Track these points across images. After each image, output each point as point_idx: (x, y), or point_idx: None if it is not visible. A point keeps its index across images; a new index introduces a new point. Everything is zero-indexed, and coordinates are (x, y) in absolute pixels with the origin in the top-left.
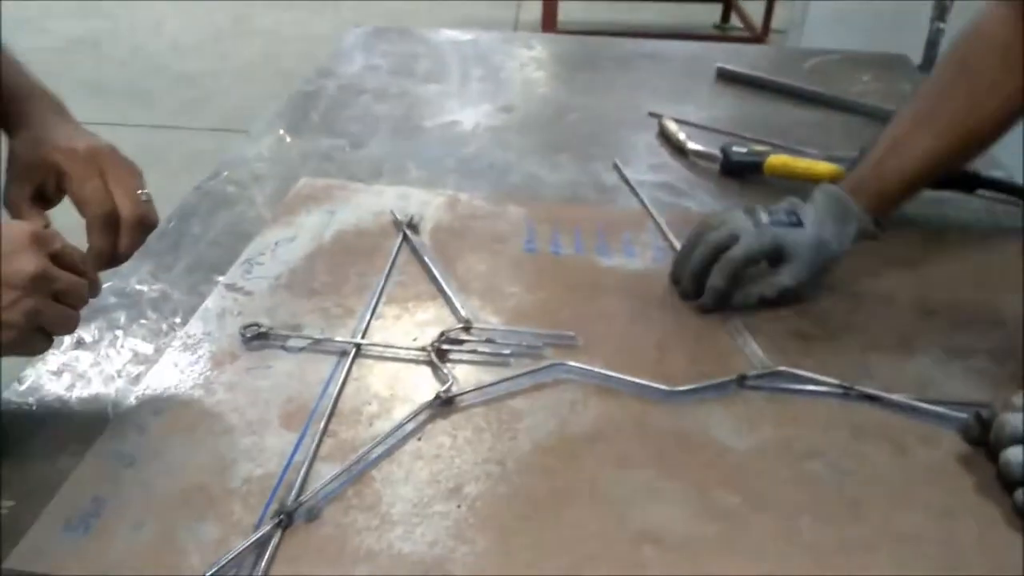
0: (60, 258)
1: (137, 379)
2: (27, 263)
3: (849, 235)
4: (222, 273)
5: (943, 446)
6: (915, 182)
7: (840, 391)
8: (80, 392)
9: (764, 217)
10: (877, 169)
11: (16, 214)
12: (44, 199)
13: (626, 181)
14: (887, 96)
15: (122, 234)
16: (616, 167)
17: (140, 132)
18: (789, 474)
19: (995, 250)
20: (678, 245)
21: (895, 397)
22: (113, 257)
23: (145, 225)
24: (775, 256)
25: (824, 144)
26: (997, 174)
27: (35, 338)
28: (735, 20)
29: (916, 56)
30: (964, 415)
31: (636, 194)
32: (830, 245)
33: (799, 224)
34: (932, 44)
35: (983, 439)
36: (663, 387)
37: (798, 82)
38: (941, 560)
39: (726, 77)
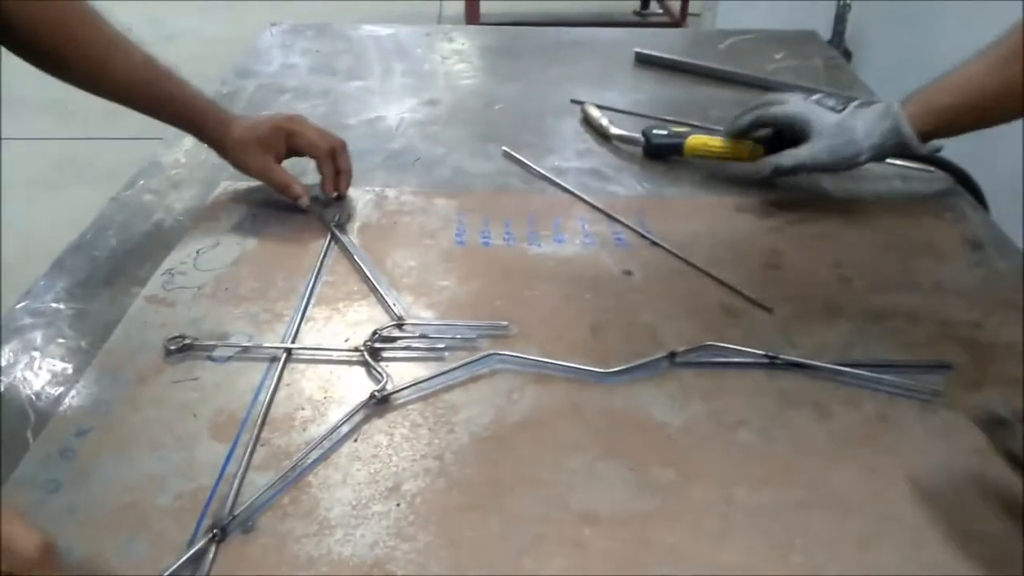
0: None
1: (58, 400)
2: None
3: (883, 132)
4: (142, 285)
5: (866, 407)
6: (962, 108)
7: (766, 361)
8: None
9: (812, 97)
10: (933, 84)
11: (272, 174)
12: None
13: (522, 166)
14: (800, 72)
15: (340, 157)
16: (505, 153)
17: (59, 145)
18: (721, 445)
19: (910, 218)
20: (613, 226)
21: (817, 363)
22: (342, 176)
23: (345, 147)
24: (802, 128)
25: None
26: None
27: None
28: (654, 7)
29: (826, 32)
30: (885, 376)
31: (548, 179)
32: (855, 133)
33: (837, 111)
34: (840, 19)
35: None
36: (597, 369)
37: (714, 63)
38: (873, 515)
39: (645, 61)
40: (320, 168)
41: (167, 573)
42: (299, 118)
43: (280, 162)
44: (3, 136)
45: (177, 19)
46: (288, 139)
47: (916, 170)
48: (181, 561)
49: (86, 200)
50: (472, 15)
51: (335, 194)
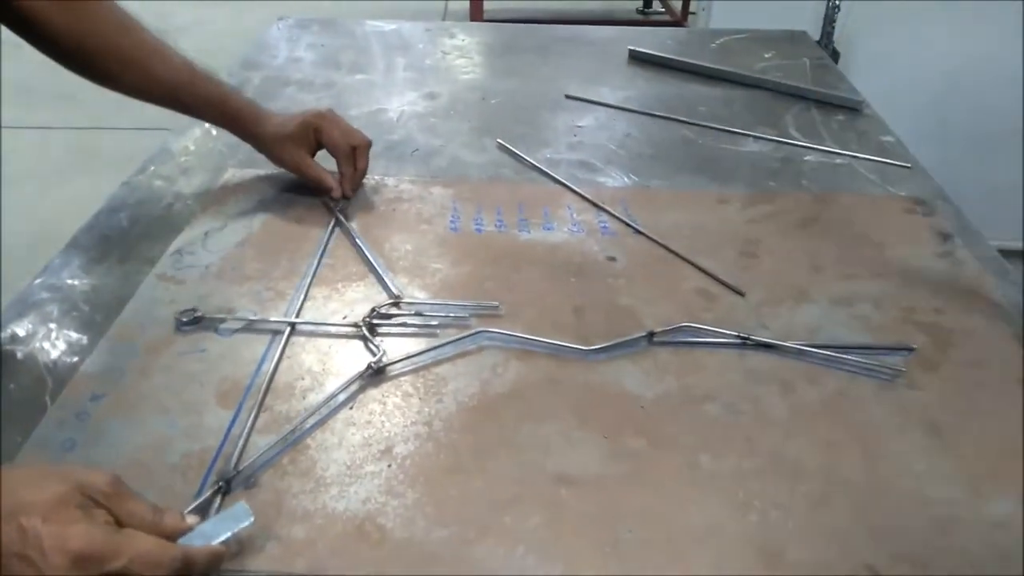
0: (128, 567)
1: (73, 368)
2: None
3: None
4: (153, 264)
5: (828, 385)
6: None
7: (738, 342)
8: (17, 382)
9: None
10: None
11: (306, 169)
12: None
13: (515, 157)
14: (788, 70)
15: (360, 156)
16: (500, 145)
17: (68, 134)
18: (690, 417)
19: (882, 211)
20: (600, 215)
21: (785, 344)
22: (355, 176)
23: (368, 147)
24: None
25: (726, 118)
26: (887, 139)
27: None
28: (657, 6)
29: (815, 32)
30: (848, 356)
31: (539, 170)
32: None
33: None
34: (830, 20)
35: None
36: (579, 347)
37: (705, 61)
38: (825, 481)
39: (638, 59)
40: (339, 167)
41: (187, 510)
42: (329, 115)
43: (313, 155)
44: (15, 126)
45: (184, 14)
46: (315, 134)
47: (892, 166)
48: (189, 509)
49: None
50: (476, 13)
51: (350, 194)
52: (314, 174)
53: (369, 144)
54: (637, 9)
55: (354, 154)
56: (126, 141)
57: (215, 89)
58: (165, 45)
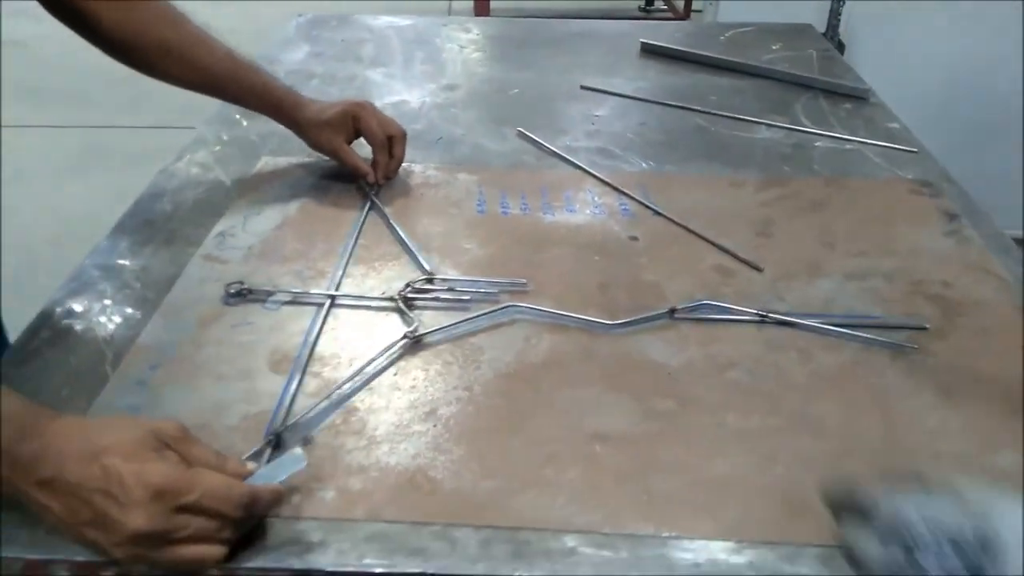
0: (200, 500)
1: (130, 341)
2: (137, 519)
3: None
4: (197, 246)
5: (844, 353)
6: None
7: (757, 318)
8: (78, 354)
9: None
10: None
11: (343, 154)
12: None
13: (535, 145)
14: (795, 61)
15: (396, 145)
16: (520, 134)
17: (81, 133)
18: (714, 382)
19: (891, 193)
20: (620, 198)
21: (803, 321)
22: (391, 164)
23: (404, 137)
24: None
25: (738, 107)
26: (894, 126)
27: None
28: (658, 3)
29: (820, 25)
30: (863, 335)
31: (560, 156)
32: None
33: None
34: (835, 13)
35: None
36: (605, 321)
37: (715, 53)
38: (845, 437)
39: (650, 51)
40: (375, 154)
41: (245, 456)
42: (368, 105)
43: (350, 143)
44: (26, 124)
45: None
46: (354, 122)
47: (898, 151)
48: (244, 458)
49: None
50: (481, 11)
51: (383, 181)
52: (350, 160)
53: (404, 134)
54: (639, 6)
55: (390, 143)
56: (136, 139)
57: (257, 78)
58: (209, 36)
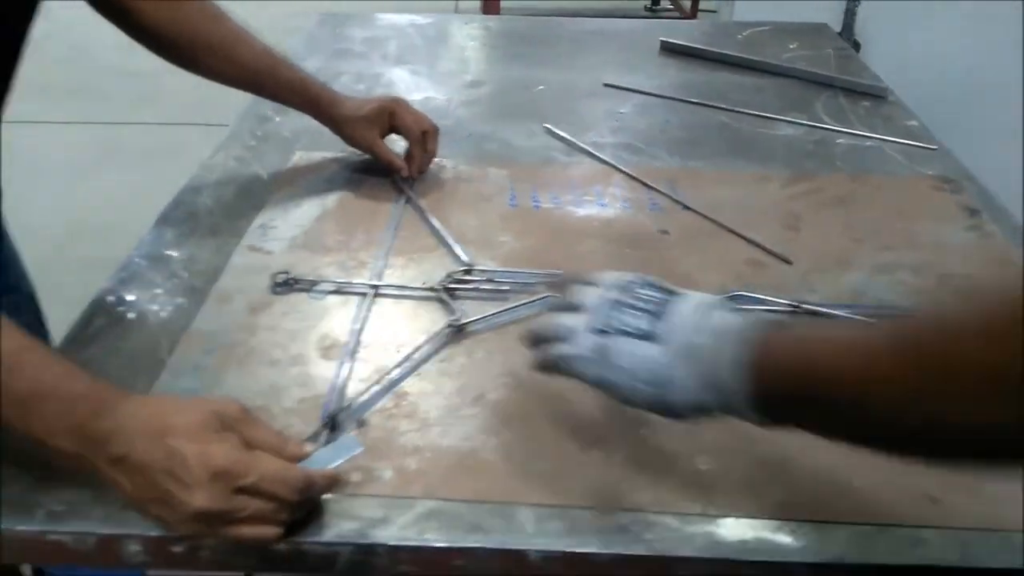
0: (258, 482)
1: (183, 327)
2: (199, 498)
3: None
4: (240, 237)
5: None
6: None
7: (790, 309)
8: (133, 340)
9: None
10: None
11: (378, 149)
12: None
13: (563, 141)
14: (813, 60)
15: (430, 140)
16: (547, 130)
17: (94, 129)
18: None
19: (913, 189)
20: (648, 192)
21: (837, 312)
22: (425, 158)
23: (437, 132)
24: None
25: (759, 105)
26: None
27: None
28: (665, 3)
29: (836, 24)
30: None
31: (587, 152)
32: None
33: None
34: (850, 12)
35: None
36: None
37: (734, 51)
38: None
39: (669, 49)
40: (410, 149)
41: (304, 439)
42: (402, 100)
43: (384, 137)
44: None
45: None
46: (390, 118)
47: (918, 148)
48: (305, 438)
49: (123, 181)
50: (491, 11)
51: (416, 175)
52: (385, 154)
53: (437, 130)
54: (645, 6)
55: (424, 138)
56: (149, 136)
57: (294, 75)
58: (249, 34)
